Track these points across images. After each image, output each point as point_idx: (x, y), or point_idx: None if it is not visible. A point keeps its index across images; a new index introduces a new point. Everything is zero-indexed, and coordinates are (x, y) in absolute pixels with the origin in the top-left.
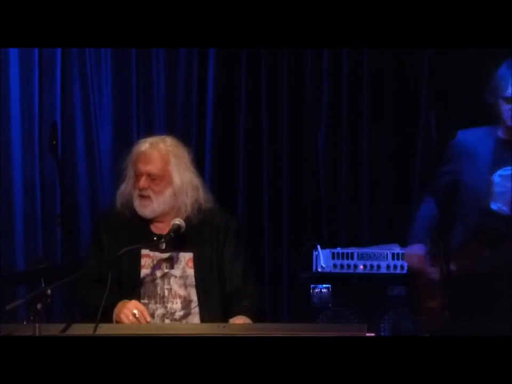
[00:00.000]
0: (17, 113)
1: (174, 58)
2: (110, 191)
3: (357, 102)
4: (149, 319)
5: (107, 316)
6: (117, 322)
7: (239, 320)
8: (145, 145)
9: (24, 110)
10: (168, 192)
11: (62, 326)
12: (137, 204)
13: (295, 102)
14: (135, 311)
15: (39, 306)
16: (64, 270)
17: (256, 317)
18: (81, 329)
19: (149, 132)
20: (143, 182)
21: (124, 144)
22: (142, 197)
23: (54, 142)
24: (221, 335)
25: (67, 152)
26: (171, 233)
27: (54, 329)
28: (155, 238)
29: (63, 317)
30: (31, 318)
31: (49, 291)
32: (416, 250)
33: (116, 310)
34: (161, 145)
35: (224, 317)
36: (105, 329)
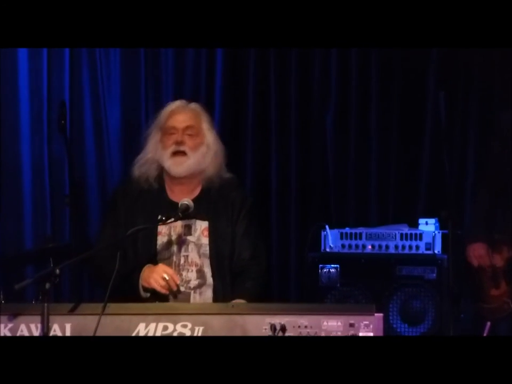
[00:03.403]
0: (25, 93)
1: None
2: (119, 171)
3: (365, 82)
4: (178, 281)
5: (129, 284)
6: (144, 288)
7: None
8: (175, 104)
9: (32, 90)
10: (201, 149)
11: (71, 305)
12: (171, 163)
13: (303, 82)
14: (165, 275)
15: (47, 285)
16: (72, 250)
17: (258, 299)
18: (90, 308)
19: (158, 112)
20: (180, 136)
21: (132, 124)
22: (177, 153)
23: (63, 122)
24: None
25: (75, 132)
26: (179, 214)
27: (63, 308)
28: (163, 218)
29: (72, 296)
30: (40, 297)
31: (57, 270)
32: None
33: (143, 276)
34: (192, 105)
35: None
36: (113, 309)
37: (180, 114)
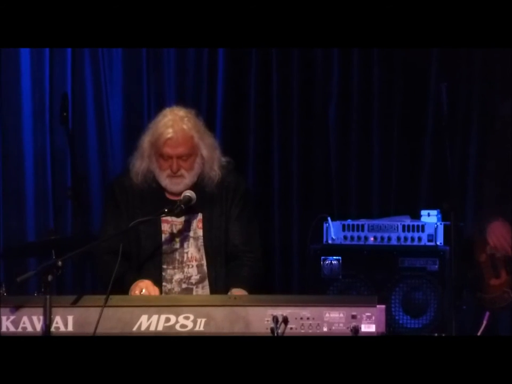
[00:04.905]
0: (28, 85)
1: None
2: (121, 163)
3: (367, 73)
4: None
5: (126, 289)
6: None
7: (237, 293)
8: (168, 130)
9: (35, 82)
10: (197, 165)
11: (73, 297)
12: (168, 183)
13: (305, 74)
14: (144, 291)
15: (50, 278)
16: (74, 242)
17: (256, 285)
18: (92, 301)
19: (160, 104)
20: (175, 165)
21: (134, 116)
22: (174, 177)
23: (65, 114)
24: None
25: (78, 124)
26: (182, 205)
27: (65, 301)
28: (166, 210)
29: (74, 289)
30: (42, 289)
31: (60, 263)
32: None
33: (131, 287)
34: (183, 126)
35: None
36: (116, 301)
37: (174, 143)
